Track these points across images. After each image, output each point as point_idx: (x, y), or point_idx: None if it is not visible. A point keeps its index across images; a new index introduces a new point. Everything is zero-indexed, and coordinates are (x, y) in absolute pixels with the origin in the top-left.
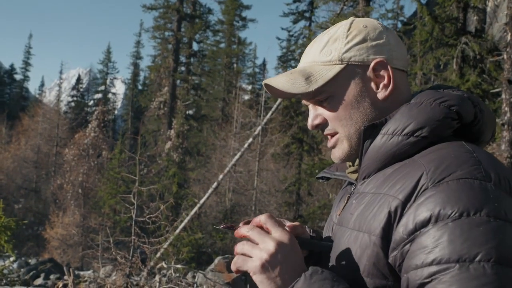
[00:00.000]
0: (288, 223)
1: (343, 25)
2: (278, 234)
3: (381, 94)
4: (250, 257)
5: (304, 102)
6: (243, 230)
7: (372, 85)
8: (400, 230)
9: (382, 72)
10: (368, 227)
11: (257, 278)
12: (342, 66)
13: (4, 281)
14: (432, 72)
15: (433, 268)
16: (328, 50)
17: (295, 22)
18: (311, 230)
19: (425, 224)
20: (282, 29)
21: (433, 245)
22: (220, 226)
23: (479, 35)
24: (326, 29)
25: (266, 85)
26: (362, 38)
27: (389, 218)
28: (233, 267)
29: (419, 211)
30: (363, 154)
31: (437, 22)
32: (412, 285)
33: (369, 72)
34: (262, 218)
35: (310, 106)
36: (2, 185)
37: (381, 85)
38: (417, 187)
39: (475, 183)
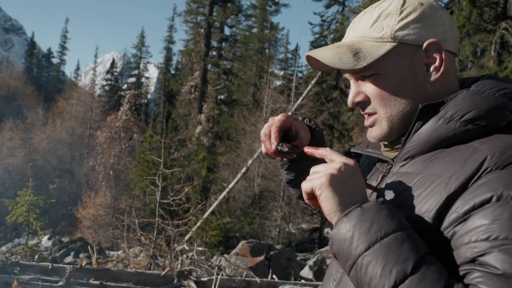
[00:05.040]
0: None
1: None
2: (344, 159)
3: (431, 77)
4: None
5: (346, 76)
6: (318, 151)
7: (422, 66)
8: (457, 210)
9: (435, 54)
10: (418, 207)
11: (322, 193)
12: (394, 44)
13: (36, 257)
14: (469, 59)
15: (489, 244)
16: (380, 26)
17: (328, 6)
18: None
19: (484, 203)
20: (315, 14)
21: (491, 222)
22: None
23: None
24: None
25: (308, 57)
26: (417, 16)
27: (446, 199)
28: (303, 185)
29: (479, 191)
30: (411, 133)
31: (476, 6)
32: (462, 260)
33: (421, 53)
34: (327, 150)
35: (352, 82)
36: (38, 165)
37: (432, 68)
38: (479, 170)
39: None
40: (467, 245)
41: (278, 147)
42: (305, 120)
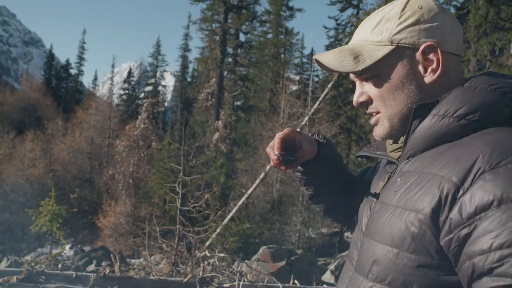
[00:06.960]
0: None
1: (398, 4)
2: None
3: (428, 78)
4: None
5: (351, 77)
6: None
7: (420, 68)
8: (458, 214)
9: (432, 56)
10: (415, 205)
11: None
12: (392, 47)
13: (60, 266)
14: (487, 58)
15: (504, 252)
16: (380, 30)
17: (342, 10)
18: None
19: (486, 207)
20: (329, 17)
21: (500, 228)
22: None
23: None
24: None
25: (317, 60)
26: (415, 20)
27: (440, 199)
28: None
29: (479, 195)
30: (410, 133)
31: (493, 5)
32: (479, 271)
33: (418, 55)
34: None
35: (357, 83)
36: (59, 175)
37: (429, 69)
38: (472, 169)
39: None
40: (480, 256)
41: (278, 156)
42: (314, 135)
